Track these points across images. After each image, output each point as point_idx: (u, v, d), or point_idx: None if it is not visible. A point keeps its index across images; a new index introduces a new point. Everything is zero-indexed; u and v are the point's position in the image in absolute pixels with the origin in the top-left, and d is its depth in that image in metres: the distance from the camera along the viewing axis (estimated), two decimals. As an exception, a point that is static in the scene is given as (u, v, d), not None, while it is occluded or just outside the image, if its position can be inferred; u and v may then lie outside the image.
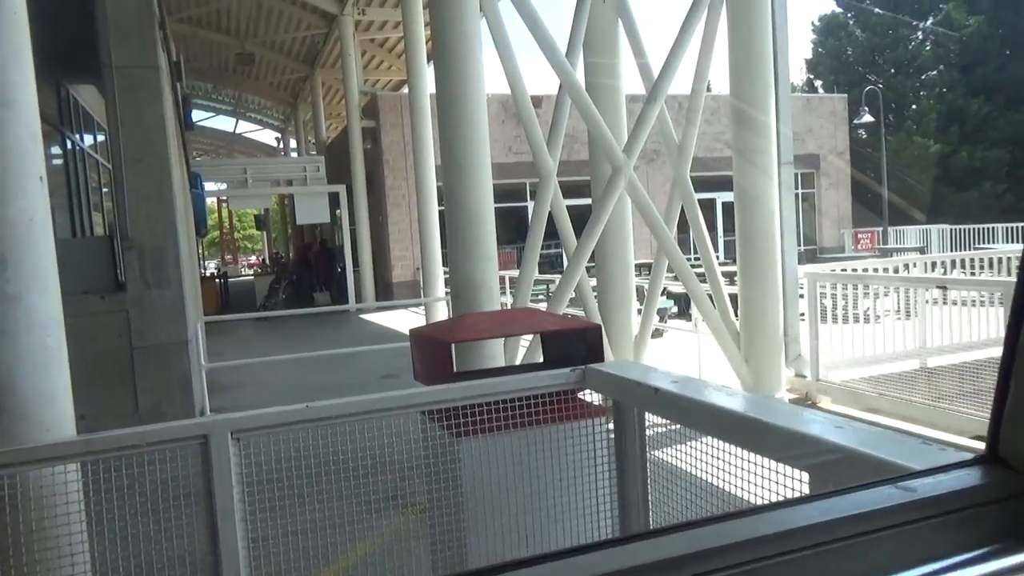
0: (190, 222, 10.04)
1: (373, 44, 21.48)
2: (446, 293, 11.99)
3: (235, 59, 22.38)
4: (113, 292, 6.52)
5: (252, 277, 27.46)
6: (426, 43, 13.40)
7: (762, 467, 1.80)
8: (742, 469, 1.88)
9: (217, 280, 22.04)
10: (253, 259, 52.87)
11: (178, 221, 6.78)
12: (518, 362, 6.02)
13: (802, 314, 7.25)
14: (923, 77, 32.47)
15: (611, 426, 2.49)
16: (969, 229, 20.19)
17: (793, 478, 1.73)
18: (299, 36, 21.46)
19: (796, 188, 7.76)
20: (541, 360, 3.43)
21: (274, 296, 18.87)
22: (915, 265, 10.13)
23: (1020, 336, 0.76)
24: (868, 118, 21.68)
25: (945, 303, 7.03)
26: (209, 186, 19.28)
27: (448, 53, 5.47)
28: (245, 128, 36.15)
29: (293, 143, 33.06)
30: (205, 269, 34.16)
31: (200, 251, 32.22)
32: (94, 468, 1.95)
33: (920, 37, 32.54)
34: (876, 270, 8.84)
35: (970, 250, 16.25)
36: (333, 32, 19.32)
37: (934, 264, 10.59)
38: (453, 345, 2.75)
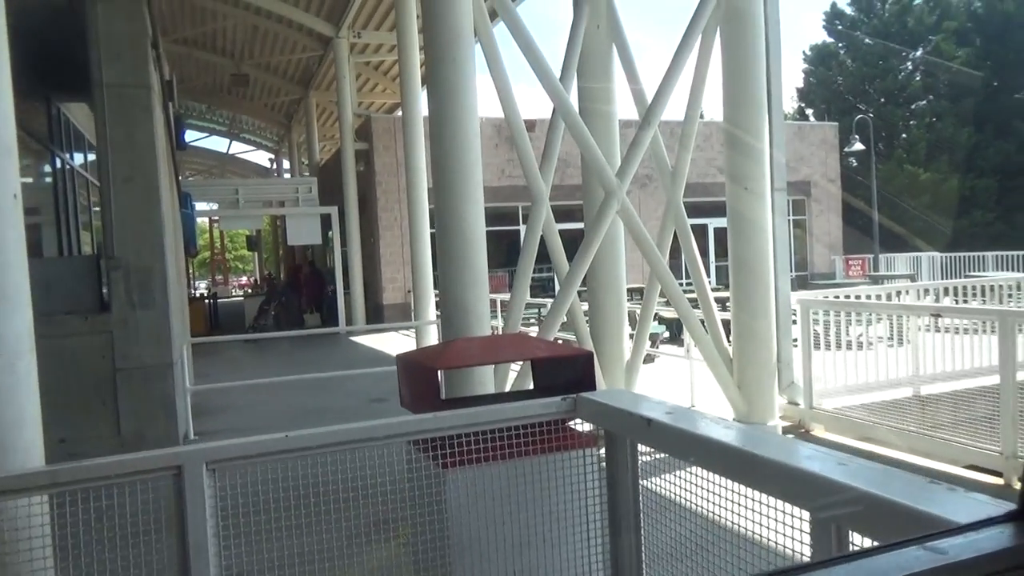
0: (179, 242, 9.95)
1: (368, 67, 21.57)
2: (437, 316, 11.89)
3: (230, 80, 22.43)
4: (97, 312, 6.42)
5: (242, 298, 27.28)
6: (421, 66, 13.44)
7: (761, 504, 1.72)
8: (740, 505, 1.81)
9: (207, 301, 21.86)
10: (244, 280, 52.66)
11: (166, 241, 6.70)
12: (508, 387, 5.94)
13: (795, 340, 7.20)
14: (912, 107, 32.84)
15: (603, 452, 2.41)
16: (960, 257, 20.27)
17: (793, 515, 1.66)
18: (294, 58, 21.54)
19: (788, 214, 7.74)
20: (531, 387, 3.36)
21: (263, 317, 18.71)
22: (907, 292, 10.12)
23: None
24: (859, 146, 21.91)
25: (938, 330, 6.99)
26: (201, 206, 19.22)
27: (442, 77, 5.44)
28: (239, 149, 36.24)
29: (287, 164, 33.09)
30: (195, 289, 33.97)
31: (191, 271, 32.05)
32: (60, 500, 1.86)
33: (910, 67, 32.96)
34: (869, 297, 8.82)
35: (961, 278, 16.29)
36: (328, 54, 19.39)
37: (926, 291, 10.58)
38: (441, 372, 2.68)
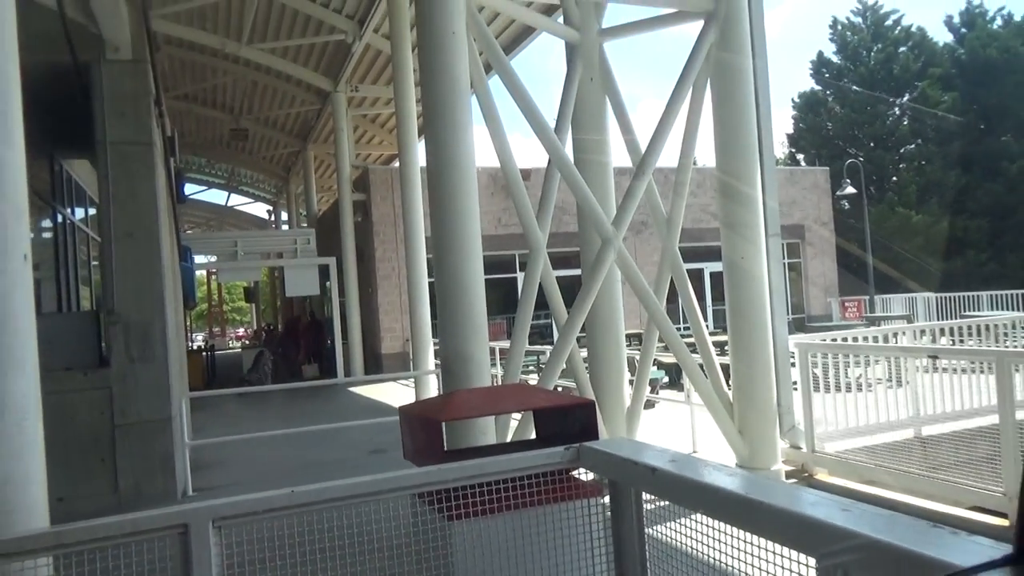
0: (178, 296, 9.98)
1: (365, 119, 21.91)
2: (436, 365, 11.87)
3: (229, 134, 22.74)
4: (96, 368, 6.41)
5: (239, 350, 27.19)
6: (417, 118, 13.67)
7: (768, 551, 1.73)
8: (747, 553, 1.81)
9: (204, 353, 21.79)
10: (242, 331, 52.55)
11: (166, 296, 6.73)
12: (509, 437, 5.91)
13: (794, 384, 7.20)
14: (901, 151, 33.36)
15: (607, 500, 2.41)
16: (954, 297, 20.36)
17: (800, 563, 1.66)
18: (293, 112, 21.89)
19: (783, 258, 7.80)
20: (533, 436, 3.36)
21: (256, 371, 18.30)
22: (904, 333, 10.15)
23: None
24: (850, 190, 22.11)
25: (936, 371, 7.00)
26: (199, 259, 19.28)
27: (439, 129, 5.54)
28: (237, 201, 36.51)
29: (285, 216, 33.32)
30: (193, 342, 33.86)
31: (188, 324, 32.00)
32: (65, 562, 1.85)
33: (897, 113, 33.57)
34: (867, 339, 8.84)
35: (957, 318, 16.34)
36: (326, 108, 19.72)
37: (923, 331, 10.62)
38: (444, 424, 2.69)
